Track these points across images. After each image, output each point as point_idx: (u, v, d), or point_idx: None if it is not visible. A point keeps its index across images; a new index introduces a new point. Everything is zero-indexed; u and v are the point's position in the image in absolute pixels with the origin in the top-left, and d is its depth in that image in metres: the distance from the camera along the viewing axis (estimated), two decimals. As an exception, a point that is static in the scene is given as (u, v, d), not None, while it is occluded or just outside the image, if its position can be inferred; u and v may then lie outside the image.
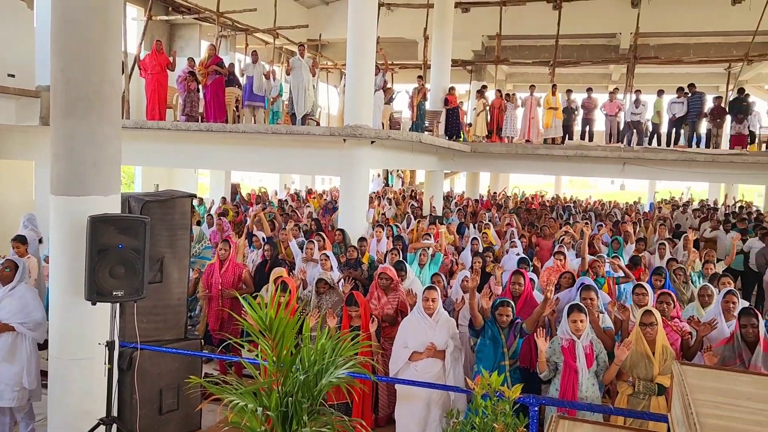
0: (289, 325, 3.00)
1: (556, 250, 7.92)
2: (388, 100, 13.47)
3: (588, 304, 5.02)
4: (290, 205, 13.79)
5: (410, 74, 19.76)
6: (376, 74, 11.13)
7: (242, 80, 12.26)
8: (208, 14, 15.55)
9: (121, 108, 4.91)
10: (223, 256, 6.94)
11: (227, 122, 11.48)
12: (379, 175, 24.52)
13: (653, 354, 4.34)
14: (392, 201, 16.35)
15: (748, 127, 14.21)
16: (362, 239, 8.54)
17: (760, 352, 4.12)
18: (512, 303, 4.95)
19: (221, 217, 11.15)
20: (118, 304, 4.45)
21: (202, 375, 5.68)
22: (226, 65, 12.11)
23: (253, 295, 6.02)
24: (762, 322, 4.28)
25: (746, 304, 6.53)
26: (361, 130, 8.93)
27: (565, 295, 6.08)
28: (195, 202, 13.65)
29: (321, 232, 8.87)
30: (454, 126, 15.24)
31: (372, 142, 9.60)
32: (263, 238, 8.70)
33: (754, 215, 15.93)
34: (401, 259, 7.22)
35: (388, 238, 9.29)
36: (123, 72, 11.36)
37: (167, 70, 11.78)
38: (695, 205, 19.05)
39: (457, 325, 5.62)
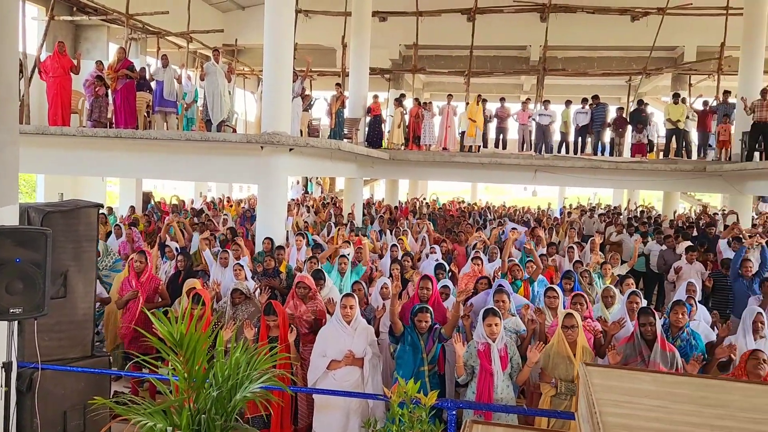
0: (202, 339, 2.89)
1: (472, 255, 8.09)
2: (307, 107, 13.39)
3: (500, 306, 5.16)
4: (206, 214, 13.39)
5: (329, 81, 19.76)
6: (294, 81, 11.04)
7: (153, 85, 11.82)
8: (116, 16, 14.90)
9: (18, 112, 4.60)
10: (139, 268, 6.55)
11: (138, 128, 11.03)
12: (298, 183, 24.31)
13: (574, 355, 4.52)
14: (311, 208, 16.24)
15: (647, 137, 15.16)
16: (280, 248, 8.41)
17: (657, 349, 4.37)
18: (431, 309, 5.01)
19: (132, 227, 10.68)
20: (16, 322, 4.15)
21: (112, 394, 5.39)
22: (137, 69, 11.64)
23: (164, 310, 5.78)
24: (659, 321, 4.54)
25: (644, 303, 6.95)
26: (279, 137, 8.81)
27: (480, 299, 6.22)
28: (105, 211, 13.01)
29: (237, 241, 8.67)
30: (376, 134, 15.36)
31: (290, 150, 9.48)
32: (176, 249, 8.39)
33: (653, 219, 16.95)
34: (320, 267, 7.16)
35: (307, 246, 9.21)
36: (22, 75, 10.71)
37: (71, 74, 11.17)
38: (602, 210, 20.05)
39: (379, 333, 5.64)
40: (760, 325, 5.06)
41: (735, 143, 13.78)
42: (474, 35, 16.91)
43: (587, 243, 10.09)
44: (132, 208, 14.54)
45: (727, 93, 14.84)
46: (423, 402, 3.38)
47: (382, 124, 15.71)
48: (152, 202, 17.20)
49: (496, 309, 4.80)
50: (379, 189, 32.09)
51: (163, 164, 10.17)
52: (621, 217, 17.25)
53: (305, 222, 13.25)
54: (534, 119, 15.51)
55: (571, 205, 24.44)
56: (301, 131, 12.13)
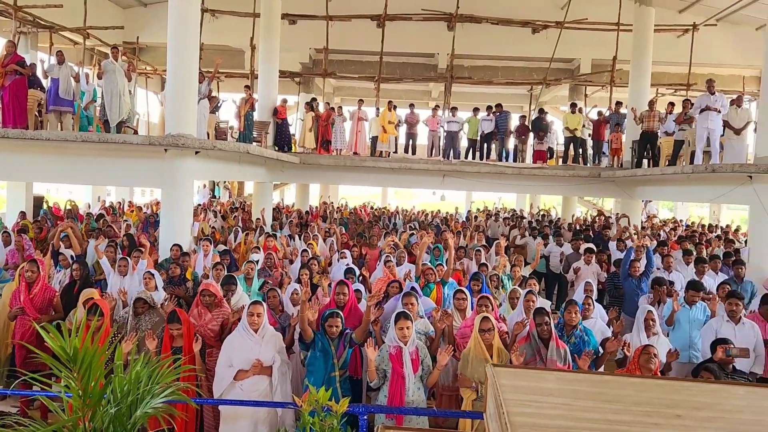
0: (99, 352, 2.71)
1: (384, 259, 8.14)
2: (214, 109, 13.02)
3: (409, 309, 5.22)
4: (104, 220, 12.67)
5: (237, 83, 19.32)
6: (200, 82, 10.70)
7: (45, 82, 11.06)
8: (3, 7, 13.85)
9: None
10: (31, 278, 6.06)
11: (28, 128, 10.27)
12: (204, 187, 23.58)
13: (491, 357, 4.63)
14: (219, 213, 15.79)
15: (548, 144, 15.93)
16: (185, 254, 8.10)
17: (553, 347, 4.57)
18: (341, 314, 4.98)
19: (21, 234, 9.92)
20: None
21: (-5, 415, 4.97)
22: (28, 65, 10.85)
23: (56, 323, 5.39)
24: (552, 321, 4.74)
25: (548, 303, 7.27)
26: (184, 139, 8.50)
27: (391, 303, 6.26)
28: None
29: (140, 248, 8.27)
30: (284, 138, 15.16)
31: (196, 153, 9.18)
32: (71, 257, 7.88)
33: (554, 222, 17.76)
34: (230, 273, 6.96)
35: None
36: None
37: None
38: (506, 214, 20.79)
39: (293, 340, 5.54)
40: (651, 322, 5.42)
41: (626, 151, 14.71)
42: (384, 41, 17.11)
43: (493, 246, 10.41)
44: (22, 213, 13.52)
45: (618, 104, 15.84)
46: (334, 409, 3.35)
47: (289, 128, 15.56)
48: (45, 207, 16.08)
49: (408, 312, 4.84)
50: (289, 193, 31.73)
51: (56, 167, 9.55)
52: (524, 220, 17.95)
53: (212, 228, 12.86)
54: (442, 126, 15.88)
55: (478, 209, 25.21)
56: (208, 134, 11.76)
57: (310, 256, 8.85)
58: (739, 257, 8.98)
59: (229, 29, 19.09)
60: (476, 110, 16.09)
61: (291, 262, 9.61)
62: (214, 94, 13.33)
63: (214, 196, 23.16)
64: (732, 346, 4.76)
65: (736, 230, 16.66)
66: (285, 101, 15.78)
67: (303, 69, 20.84)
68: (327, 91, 22.51)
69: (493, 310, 5.35)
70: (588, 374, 1.97)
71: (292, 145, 15.84)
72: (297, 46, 19.67)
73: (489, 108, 15.68)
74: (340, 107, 16.38)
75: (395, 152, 15.70)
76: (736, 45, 18.69)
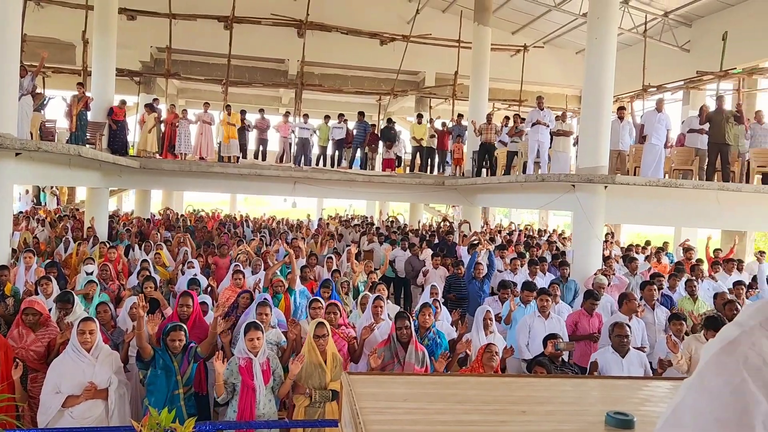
0: None
1: (233, 269, 7.86)
2: (39, 107, 11.78)
3: (262, 319, 5.08)
4: None
5: (66, 80, 17.71)
6: (23, 76, 9.63)
7: None
8: None
9: None
10: None
11: None
12: (27, 192, 21.29)
13: (325, 363, 4.59)
14: (45, 222, 14.33)
15: (396, 153, 16.43)
16: (3, 267, 7.22)
17: (412, 350, 4.69)
18: (185, 327, 4.71)
19: None
20: None
21: None
22: None
23: None
24: (413, 324, 4.88)
25: (396, 308, 7.45)
26: (2, 139, 7.58)
27: (244, 316, 6.05)
28: None
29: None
30: (121, 141, 14.12)
31: (17, 154, 8.23)
32: None
33: (401, 228, 18.35)
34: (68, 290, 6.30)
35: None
36: None
37: None
38: (357, 220, 21.14)
39: (128, 359, 5.13)
40: (489, 321, 5.75)
41: (467, 161, 15.61)
42: (232, 44, 16.64)
43: (344, 253, 10.51)
44: None
45: (460, 116, 16.78)
46: (179, 431, 3.14)
47: (127, 131, 14.54)
48: None
49: (258, 323, 4.70)
50: (128, 200, 29.69)
51: None
52: (374, 227, 18.36)
53: (35, 237, 11.62)
54: (293, 132, 15.76)
55: (329, 216, 25.35)
56: (32, 134, 10.62)
57: (151, 266, 8.32)
58: (565, 259, 9.86)
59: (57, 20, 17.47)
60: (327, 117, 16.18)
61: (128, 274, 8.98)
62: (39, 90, 12.08)
63: (38, 203, 21.00)
64: (560, 340, 5.19)
65: (561, 234, 18.33)
66: (123, 102, 14.72)
67: (144, 68, 19.61)
68: (170, 93, 21.38)
69: (341, 316, 5.36)
70: (438, 377, 2.02)
71: (131, 148, 14.82)
72: (137, 43, 18.47)
73: (340, 116, 15.84)
74: (185, 110, 15.62)
75: (244, 158, 15.29)
76: (560, 66, 20.66)
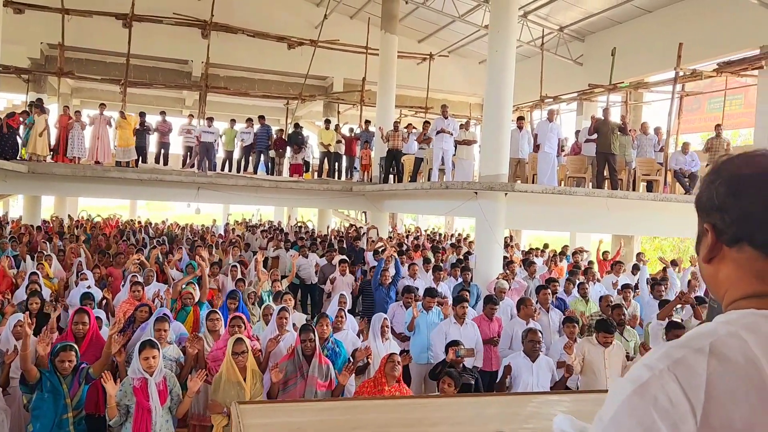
0: None
1: (132, 281, 7.50)
2: None
3: (160, 336, 4.89)
4: None
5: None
6: None
7: None
8: None
9: None
10: None
11: None
12: None
13: (244, 380, 4.49)
14: None
15: (304, 158, 16.30)
16: None
17: (315, 363, 4.66)
18: (76, 347, 4.45)
19: None
20: None
21: None
22: None
23: None
24: (317, 336, 4.84)
25: (304, 317, 7.40)
26: None
27: (140, 331, 5.79)
28: None
29: None
30: (9, 144, 13.11)
31: None
32: None
33: (310, 234, 18.23)
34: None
35: None
36: None
37: None
38: (264, 226, 20.78)
39: (9, 380, 4.79)
40: (385, 329, 5.83)
41: (375, 167, 15.76)
42: (131, 43, 15.91)
43: (252, 261, 10.29)
44: None
45: (367, 122, 16.92)
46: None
47: (17, 133, 13.54)
48: None
49: (154, 341, 4.51)
50: (16, 205, 27.66)
51: None
52: (282, 233, 18.12)
53: None
54: (197, 135, 15.28)
55: (236, 221, 24.76)
56: None
57: (41, 279, 7.78)
58: (467, 264, 10.16)
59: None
60: (233, 121, 15.83)
61: (16, 287, 8.36)
62: None
63: None
64: (461, 347, 5.35)
65: (466, 238, 18.89)
66: (25, 112, 13.66)
67: (33, 65, 18.37)
68: (63, 92, 20.11)
69: (245, 329, 5.25)
70: (336, 401, 2.03)
71: (22, 150, 13.81)
72: (25, 38, 17.26)
73: (249, 120, 15.54)
74: (78, 112, 14.76)
75: (144, 162, 14.65)
76: (464, 75, 21.29)
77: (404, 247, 13.96)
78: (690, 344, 0.91)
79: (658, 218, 11.15)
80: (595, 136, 11.68)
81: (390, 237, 16.81)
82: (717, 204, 1.03)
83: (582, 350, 5.64)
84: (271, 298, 7.82)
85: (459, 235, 20.26)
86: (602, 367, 5.52)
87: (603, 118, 11.71)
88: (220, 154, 15.80)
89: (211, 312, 5.98)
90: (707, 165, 12.29)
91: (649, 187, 12.26)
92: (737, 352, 0.89)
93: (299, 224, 20.97)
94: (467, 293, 7.72)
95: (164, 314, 5.55)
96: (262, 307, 6.65)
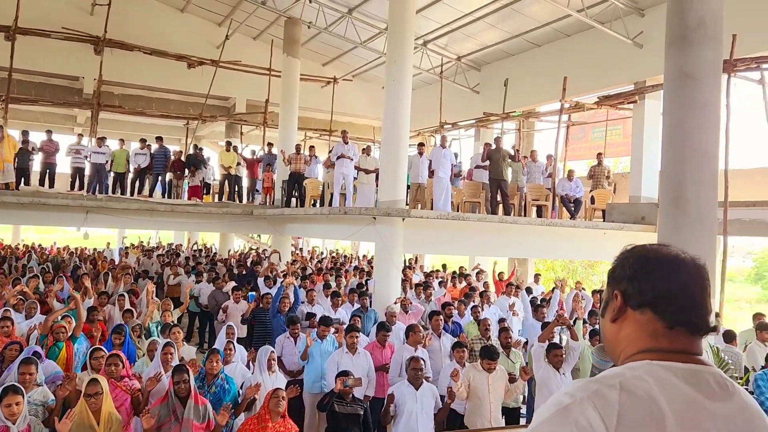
0: None
1: (2, 314, 6.97)
2: None
3: (25, 380, 4.58)
4: None
5: None
6: None
7: None
8: None
9: None
10: None
11: None
12: None
13: (98, 423, 4.24)
14: None
15: (204, 180, 15.87)
16: None
17: (191, 405, 4.46)
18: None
19: None
20: None
21: None
22: None
23: None
24: (192, 376, 4.66)
25: (193, 350, 7.15)
26: None
27: (8, 372, 5.37)
28: None
29: None
30: None
31: None
32: None
33: (211, 258, 17.74)
34: None
35: None
36: None
37: None
38: (161, 250, 19.97)
39: None
40: (272, 361, 5.75)
41: (277, 190, 15.60)
42: (14, 57, 14.93)
43: (144, 290, 9.82)
44: None
45: (270, 144, 16.76)
46: None
47: None
48: None
49: (18, 386, 4.21)
50: None
51: None
52: (180, 257, 17.50)
53: None
54: (86, 156, 14.51)
55: (132, 245, 23.65)
56: None
57: None
58: (365, 289, 10.23)
59: None
60: (122, 141, 15.20)
61: None
62: None
63: None
64: (350, 377, 5.37)
65: (371, 261, 19.03)
66: None
67: None
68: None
69: (123, 367, 5.00)
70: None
71: None
72: None
73: (143, 141, 14.97)
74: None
75: (26, 185, 13.70)
76: (368, 99, 21.60)
77: (308, 271, 13.88)
78: (603, 381, 1.15)
79: (547, 242, 11.74)
80: (487, 162, 12.20)
81: (294, 261, 16.64)
82: (629, 275, 1.30)
83: (467, 376, 5.82)
84: (158, 330, 7.49)
85: (364, 257, 20.36)
86: (486, 393, 5.72)
87: (495, 146, 12.25)
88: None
89: (96, 349, 5.64)
90: (591, 191, 13.16)
91: (539, 212, 12.91)
92: (642, 390, 1.13)
93: (198, 247, 20.36)
94: (358, 320, 7.74)
95: (34, 354, 5.20)
96: (148, 341, 6.36)
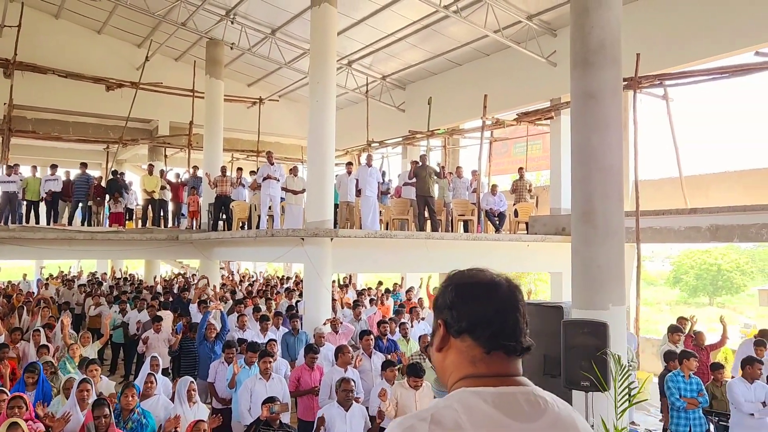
0: None
1: None
2: None
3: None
4: None
5: None
6: None
7: None
8: None
9: None
10: None
11: None
12: None
13: None
14: None
15: (126, 205, 15.33)
16: None
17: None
18: None
19: None
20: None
21: None
22: None
23: None
24: (112, 412, 4.52)
25: (112, 384, 6.88)
26: None
27: None
28: None
29: None
30: None
31: None
32: None
33: (136, 286, 17.12)
34: None
35: None
36: None
37: None
38: (83, 280, 19.10)
39: None
40: (192, 392, 5.63)
41: (204, 213, 15.27)
42: None
43: (58, 322, 9.38)
44: None
45: (195, 168, 16.42)
46: None
47: None
48: None
49: None
50: None
51: None
52: (102, 286, 16.81)
53: None
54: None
55: (51, 275, 22.51)
56: None
57: None
58: (295, 312, 10.15)
59: None
60: (35, 168, 14.57)
61: None
62: None
63: None
64: (276, 403, 5.32)
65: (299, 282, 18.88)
66: None
67: None
68: None
69: (27, 410, 4.78)
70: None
71: None
72: None
73: (53, 166, 14.36)
74: None
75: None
76: (295, 118, 21.51)
77: (238, 295, 13.59)
78: (419, 416, 1.23)
79: (474, 255, 11.99)
80: (414, 180, 12.42)
81: (223, 285, 16.30)
82: (449, 304, 1.35)
83: (395, 394, 5.87)
84: (71, 365, 7.18)
85: (296, 276, 20.16)
86: (414, 410, 5.79)
87: (421, 163, 12.50)
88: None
89: (-1, 390, 5.37)
90: (514, 204, 13.60)
91: (466, 227, 13.22)
92: (449, 419, 1.20)
93: (123, 276, 19.63)
94: (273, 344, 7.66)
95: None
96: (64, 379, 6.08)
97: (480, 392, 1.25)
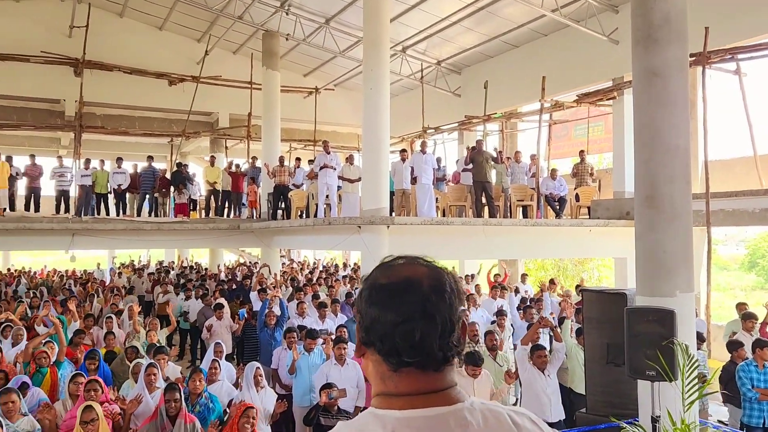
0: None
1: None
2: None
3: (9, 408, 4.57)
4: None
5: None
6: None
7: None
8: None
9: None
10: None
11: None
12: None
13: None
14: None
15: (190, 196, 15.83)
16: None
17: (181, 424, 4.50)
18: None
19: None
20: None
21: None
22: None
23: None
24: (183, 395, 4.68)
25: (178, 369, 7.13)
26: None
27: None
28: None
29: None
30: None
31: None
32: None
33: (201, 275, 17.65)
34: None
35: None
36: None
37: None
38: (151, 269, 19.88)
39: None
40: (259, 377, 5.75)
41: (263, 203, 15.59)
42: (-6, 83, 14.95)
43: (125, 310, 9.78)
44: None
45: (254, 158, 16.76)
46: None
47: None
48: None
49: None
50: None
51: None
52: (170, 275, 17.43)
53: None
54: (70, 179, 14.48)
55: (122, 264, 23.56)
56: None
57: None
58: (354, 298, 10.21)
59: None
60: (102, 162, 15.18)
61: None
62: None
63: None
64: (334, 389, 5.38)
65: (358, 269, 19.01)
66: None
67: None
68: None
69: (102, 392, 5.00)
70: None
71: None
72: None
73: (119, 160, 14.95)
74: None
75: (12, 210, 13.66)
76: (351, 107, 21.59)
77: (298, 283, 13.82)
78: None
79: (533, 241, 11.79)
80: (471, 165, 12.26)
81: (284, 272, 16.63)
82: (359, 308, 1.14)
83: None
84: (143, 350, 7.47)
85: (355, 264, 20.33)
86: (472, 397, 5.72)
87: (477, 148, 12.31)
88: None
89: (76, 374, 5.64)
90: (575, 188, 13.23)
91: (525, 212, 12.97)
92: None
93: (189, 264, 20.29)
94: (345, 330, 7.72)
95: (23, 383, 5.18)
96: (132, 363, 6.34)
97: (382, 416, 1.08)
